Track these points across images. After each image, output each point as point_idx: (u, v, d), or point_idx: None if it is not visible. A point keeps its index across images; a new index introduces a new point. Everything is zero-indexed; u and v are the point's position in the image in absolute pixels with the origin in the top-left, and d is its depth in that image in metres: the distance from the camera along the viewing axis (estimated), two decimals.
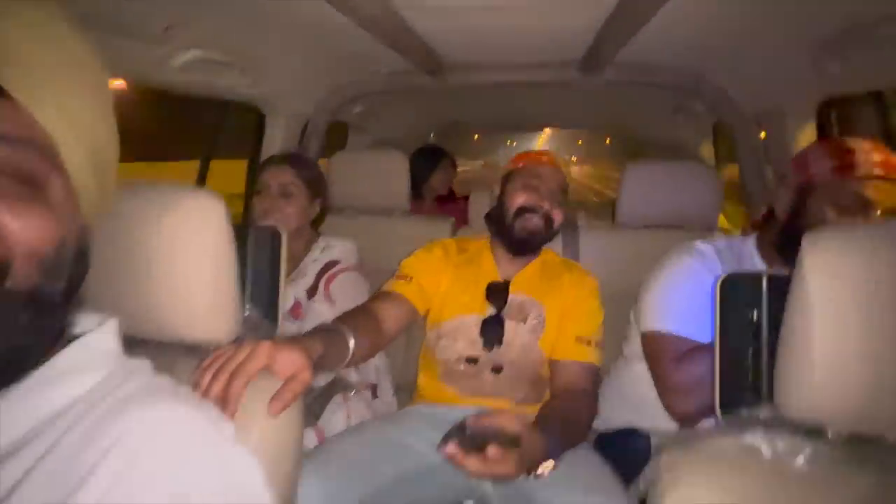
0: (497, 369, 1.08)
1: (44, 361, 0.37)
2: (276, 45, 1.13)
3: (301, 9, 0.94)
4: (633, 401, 1.11)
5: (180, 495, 0.35)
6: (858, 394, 0.45)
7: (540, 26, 1.05)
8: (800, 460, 0.49)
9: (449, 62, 1.32)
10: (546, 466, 0.77)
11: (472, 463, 0.68)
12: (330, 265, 1.17)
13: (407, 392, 1.23)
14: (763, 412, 0.58)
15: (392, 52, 1.17)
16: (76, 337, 0.39)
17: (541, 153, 1.22)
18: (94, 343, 0.40)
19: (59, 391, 0.37)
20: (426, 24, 1.02)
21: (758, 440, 0.52)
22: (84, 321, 0.41)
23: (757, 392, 0.67)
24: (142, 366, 0.42)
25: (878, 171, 0.79)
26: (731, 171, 1.66)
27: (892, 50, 0.87)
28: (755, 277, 0.70)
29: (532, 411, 0.97)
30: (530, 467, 0.74)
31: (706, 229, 1.33)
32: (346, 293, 1.14)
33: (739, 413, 0.61)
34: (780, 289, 0.53)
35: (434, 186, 2.12)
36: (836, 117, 1.27)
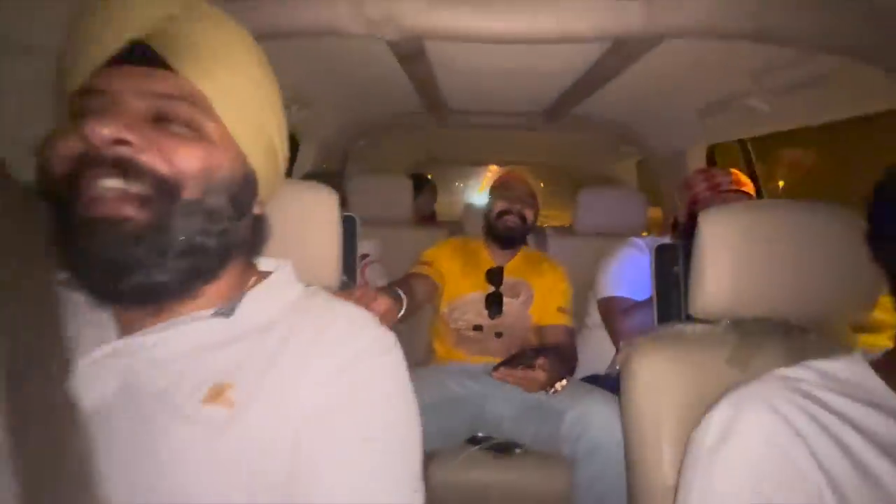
0: (498, 335, 1.40)
1: (255, 284, 0.52)
2: (329, 84, 1.36)
3: (356, 54, 1.13)
4: (595, 357, 1.48)
5: (361, 349, 0.49)
6: (730, 298, 0.72)
7: (523, 85, 1.42)
8: (704, 336, 0.84)
9: (451, 107, 1.63)
10: (561, 384, 1.11)
11: (521, 374, 1.00)
12: (362, 257, 1.45)
13: (415, 368, 1.51)
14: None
15: (408, 94, 1.46)
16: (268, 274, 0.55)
17: (511, 171, 1.60)
18: (288, 272, 0.56)
19: (281, 295, 0.53)
20: (447, 77, 1.32)
21: (682, 327, 0.88)
22: (267, 264, 0.57)
23: (679, 316, 1.06)
24: (318, 289, 0.58)
25: (732, 187, 1.25)
26: (655, 212, 2.08)
27: (745, 114, 1.34)
28: (675, 246, 1.12)
29: None
30: (550, 385, 1.08)
31: (636, 235, 1.78)
32: (378, 278, 1.43)
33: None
34: (689, 253, 0.84)
35: (419, 207, 2.44)
36: (719, 156, 1.79)
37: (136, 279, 0.43)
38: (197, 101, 0.45)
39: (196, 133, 0.45)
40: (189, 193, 0.43)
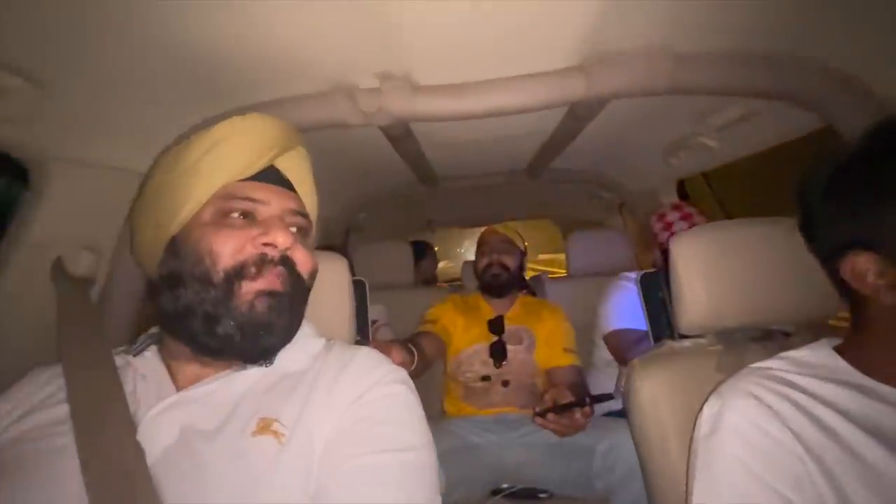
0: (505, 384, 1.43)
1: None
2: (328, 167, 1.48)
3: (352, 140, 1.26)
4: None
5: (375, 382, 0.57)
6: (710, 313, 0.78)
7: (500, 150, 1.57)
8: (693, 349, 0.91)
9: (440, 175, 1.78)
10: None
11: (561, 422, 1.03)
12: (372, 323, 1.53)
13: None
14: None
15: (402, 169, 1.61)
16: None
17: (487, 228, 1.72)
18: (309, 329, 0.68)
19: (308, 347, 0.65)
20: (433, 150, 1.47)
21: (672, 343, 0.95)
22: None
23: (671, 335, 1.13)
24: (337, 340, 0.69)
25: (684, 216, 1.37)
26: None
27: (701, 151, 1.48)
28: (657, 273, 1.21)
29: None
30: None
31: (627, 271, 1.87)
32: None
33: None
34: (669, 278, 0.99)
35: (422, 271, 2.56)
36: (688, 189, 1.94)
37: (271, 341, 0.58)
38: (306, 215, 0.65)
39: (306, 241, 0.65)
40: (304, 282, 0.62)
